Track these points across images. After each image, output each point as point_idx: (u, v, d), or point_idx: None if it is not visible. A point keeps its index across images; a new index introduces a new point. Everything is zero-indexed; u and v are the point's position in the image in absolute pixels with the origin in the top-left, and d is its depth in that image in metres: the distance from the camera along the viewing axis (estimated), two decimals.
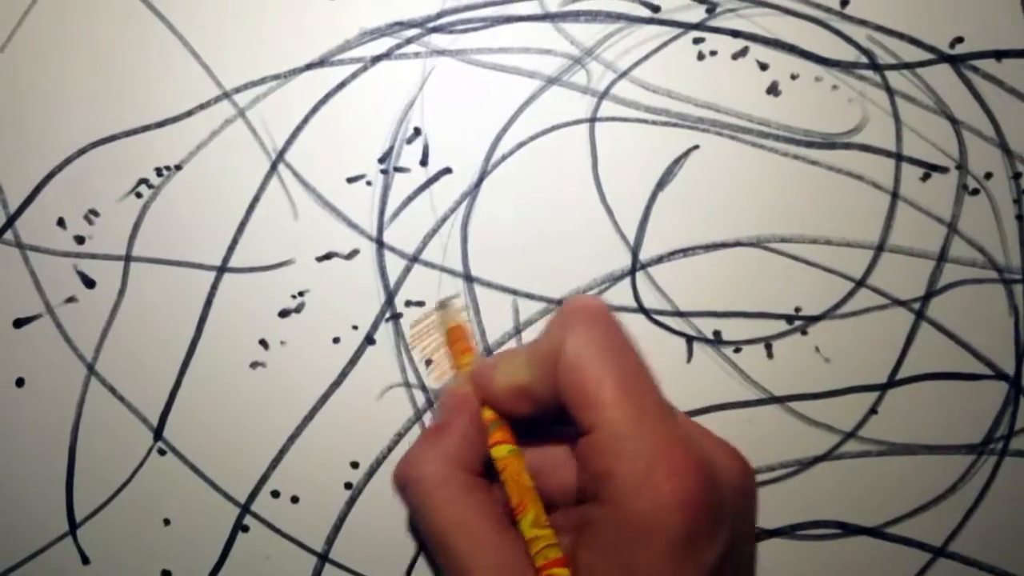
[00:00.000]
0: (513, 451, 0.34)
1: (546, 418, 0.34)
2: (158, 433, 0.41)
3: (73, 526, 0.41)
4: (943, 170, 0.41)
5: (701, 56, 0.41)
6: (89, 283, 0.42)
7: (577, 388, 0.31)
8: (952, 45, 0.41)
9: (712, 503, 0.29)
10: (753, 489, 0.33)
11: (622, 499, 0.29)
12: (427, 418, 0.41)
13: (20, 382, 0.42)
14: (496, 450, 0.35)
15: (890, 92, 0.41)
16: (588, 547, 0.30)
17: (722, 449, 0.33)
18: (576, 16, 0.42)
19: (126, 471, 0.42)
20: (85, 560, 0.42)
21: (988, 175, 0.41)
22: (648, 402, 0.31)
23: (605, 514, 0.30)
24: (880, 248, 0.41)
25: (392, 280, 0.41)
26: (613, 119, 0.41)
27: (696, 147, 0.41)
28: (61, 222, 0.42)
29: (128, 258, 0.42)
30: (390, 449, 0.41)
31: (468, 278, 0.41)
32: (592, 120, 0.41)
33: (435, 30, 0.42)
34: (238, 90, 0.42)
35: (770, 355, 0.41)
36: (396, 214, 0.42)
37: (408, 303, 0.41)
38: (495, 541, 0.31)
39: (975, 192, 0.41)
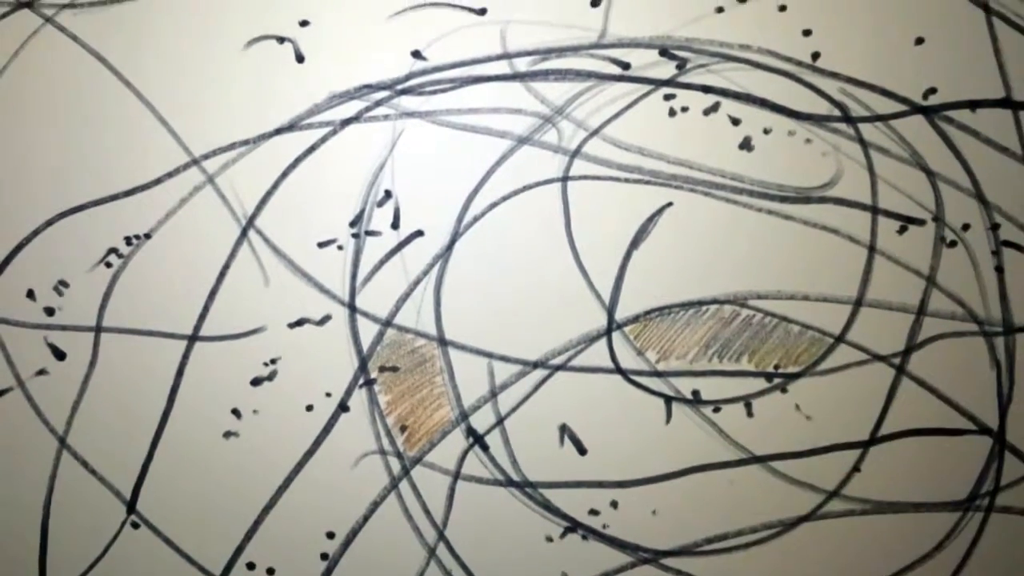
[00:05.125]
0: None
1: None
2: (131, 506, 0.41)
3: None
4: (920, 222, 0.41)
5: (672, 112, 0.41)
6: (60, 355, 0.41)
7: None
8: (925, 96, 0.41)
9: None
10: None
11: None
12: (402, 486, 0.41)
13: None
14: None
15: (864, 144, 0.41)
16: None
17: None
18: (545, 75, 0.41)
19: (99, 545, 0.41)
20: None
21: (966, 226, 0.40)
22: None
23: None
24: (858, 303, 0.40)
25: (365, 345, 0.41)
26: (585, 177, 0.41)
27: (670, 204, 0.41)
28: (31, 294, 0.41)
29: (99, 329, 0.41)
30: (366, 518, 0.41)
31: (442, 341, 0.41)
32: (564, 179, 0.41)
33: (404, 92, 0.41)
34: (207, 156, 0.41)
35: (750, 414, 0.40)
36: (368, 278, 0.41)
37: (382, 368, 0.41)
38: None
39: (953, 244, 0.40)
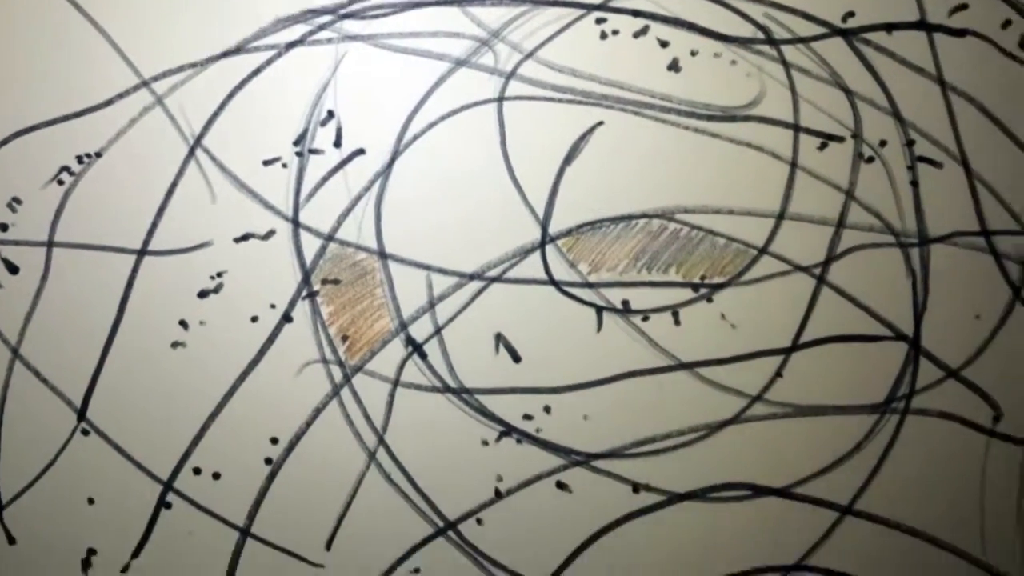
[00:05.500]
0: None
1: None
2: (81, 414, 0.42)
3: None
4: (839, 139, 0.42)
5: (604, 35, 0.43)
6: (13, 269, 0.43)
7: None
8: (844, 19, 0.42)
9: None
10: None
11: None
12: (344, 393, 0.42)
13: None
14: None
15: (786, 66, 0.42)
16: None
17: None
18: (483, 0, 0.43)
19: (50, 452, 0.42)
20: (11, 540, 0.42)
21: (883, 143, 0.42)
22: None
23: None
24: (781, 216, 0.42)
25: (308, 259, 0.42)
26: (520, 98, 0.43)
27: (601, 123, 0.43)
28: None
29: (51, 244, 0.43)
30: (308, 424, 0.42)
31: (382, 255, 0.42)
32: (500, 99, 0.43)
33: (347, 16, 0.43)
34: (156, 78, 0.43)
35: (677, 323, 0.42)
36: (311, 195, 0.43)
37: (324, 281, 0.42)
38: None
39: (871, 160, 0.42)
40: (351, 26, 0.43)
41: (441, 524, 0.42)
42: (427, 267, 0.42)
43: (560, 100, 0.43)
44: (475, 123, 0.43)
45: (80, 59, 0.43)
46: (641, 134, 0.43)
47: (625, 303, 0.42)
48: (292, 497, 0.42)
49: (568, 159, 0.43)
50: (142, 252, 0.42)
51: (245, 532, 0.42)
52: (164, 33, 0.43)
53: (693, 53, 0.43)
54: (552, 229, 0.42)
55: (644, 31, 0.43)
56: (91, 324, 0.42)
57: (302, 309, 0.42)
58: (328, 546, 0.42)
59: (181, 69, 0.43)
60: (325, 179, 0.43)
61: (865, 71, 0.42)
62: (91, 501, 0.42)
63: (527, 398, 0.42)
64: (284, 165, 0.43)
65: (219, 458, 0.42)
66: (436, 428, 0.42)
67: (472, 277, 0.42)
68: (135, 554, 0.42)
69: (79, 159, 0.43)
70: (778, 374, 0.42)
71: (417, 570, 0.42)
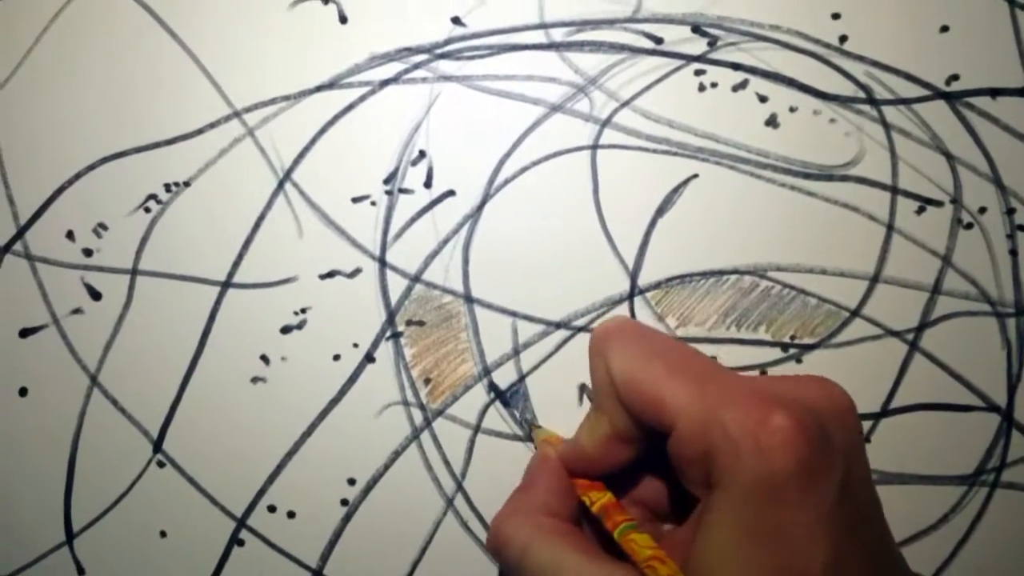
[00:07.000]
0: (603, 492, 0.35)
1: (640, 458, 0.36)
2: (158, 445, 0.42)
3: (70, 536, 0.42)
4: (938, 204, 0.42)
5: (702, 87, 0.42)
6: (95, 295, 0.42)
7: (641, 399, 0.32)
8: (948, 82, 0.42)
9: (815, 435, 0.28)
10: (855, 422, 0.31)
11: (729, 470, 0.29)
12: (424, 437, 0.42)
13: (23, 391, 0.42)
14: (587, 495, 0.36)
15: (886, 127, 0.42)
16: (708, 536, 0.29)
17: (812, 386, 0.32)
18: (580, 46, 0.42)
19: (125, 482, 0.42)
20: (80, 570, 0.42)
21: (982, 210, 0.42)
22: (709, 375, 0.32)
23: (718, 496, 0.29)
24: (875, 279, 0.42)
25: (393, 299, 0.42)
26: (615, 147, 0.42)
27: (695, 176, 0.42)
28: (70, 235, 0.43)
29: (135, 271, 0.42)
30: (387, 467, 0.42)
31: (468, 299, 0.42)
32: (594, 147, 0.42)
33: (442, 56, 0.43)
34: (248, 110, 0.43)
35: None
36: (399, 234, 0.42)
37: (409, 322, 0.42)
38: (599, 573, 0.31)
39: (969, 226, 0.42)
40: (446, 66, 0.43)
41: None
42: (513, 313, 0.42)
43: (655, 151, 0.42)
44: (568, 170, 0.42)
45: (173, 87, 0.43)
46: (736, 189, 0.42)
47: (713, 359, 0.41)
48: (367, 540, 0.41)
49: (660, 211, 0.42)
50: (226, 284, 0.42)
51: (318, 573, 0.41)
52: (258, 65, 0.43)
53: (792, 109, 0.42)
54: (641, 281, 0.42)
55: (743, 85, 0.42)
56: (171, 355, 0.42)
57: (385, 350, 0.42)
58: None
59: (273, 102, 0.43)
60: (414, 219, 0.42)
61: (967, 135, 0.42)
62: (163, 534, 0.42)
63: None
64: (373, 203, 0.42)
65: (295, 497, 0.42)
66: (515, 476, 0.41)
67: (558, 326, 0.42)
68: None
69: (167, 187, 0.43)
70: (866, 439, 0.41)
71: None
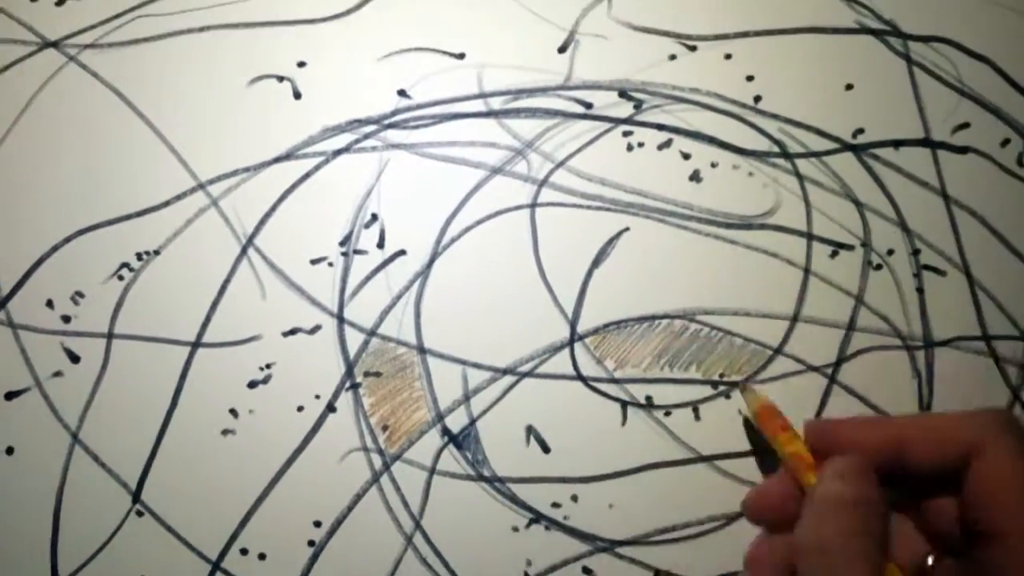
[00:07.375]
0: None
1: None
2: (136, 496, 0.45)
3: None
4: (849, 248, 0.45)
5: (630, 147, 0.46)
6: (74, 358, 0.46)
7: (998, 490, 0.33)
8: (854, 135, 0.46)
9: None
10: None
11: None
12: (383, 480, 0.45)
13: (10, 450, 0.45)
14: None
15: (800, 178, 0.46)
16: None
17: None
18: (517, 113, 0.46)
19: (107, 531, 0.45)
20: None
21: (890, 252, 0.45)
22: None
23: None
24: (795, 319, 0.45)
25: (352, 353, 0.45)
26: (552, 204, 0.46)
27: (627, 229, 0.46)
28: (50, 303, 0.46)
29: (111, 335, 0.46)
30: (350, 509, 0.45)
31: (421, 350, 0.45)
32: (533, 205, 0.46)
33: (390, 126, 0.46)
34: (212, 182, 0.46)
35: (698, 418, 0.45)
36: (355, 292, 0.46)
37: (367, 374, 0.45)
38: None
39: (879, 267, 0.45)
40: (394, 135, 0.46)
41: None
42: (463, 362, 0.45)
43: (589, 207, 0.46)
44: (509, 227, 0.46)
45: (142, 163, 0.46)
46: (664, 240, 0.46)
47: (648, 399, 0.45)
48: None
49: (596, 262, 0.46)
50: (196, 344, 0.45)
51: None
52: (219, 140, 0.46)
53: (713, 165, 0.46)
54: (580, 328, 0.45)
55: (668, 144, 0.46)
56: (147, 411, 0.45)
57: (345, 400, 0.45)
58: None
59: (235, 173, 0.46)
60: (368, 278, 0.46)
61: (874, 184, 0.45)
62: None
63: (556, 487, 0.45)
64: (330, 264, 0.46)
65: (265, 539, 0.45)
66: (470, 514, 0.44)
67: (505, 372, 0.45)
68: None
69: (139, 256, 0.46)
70: None
71: None
